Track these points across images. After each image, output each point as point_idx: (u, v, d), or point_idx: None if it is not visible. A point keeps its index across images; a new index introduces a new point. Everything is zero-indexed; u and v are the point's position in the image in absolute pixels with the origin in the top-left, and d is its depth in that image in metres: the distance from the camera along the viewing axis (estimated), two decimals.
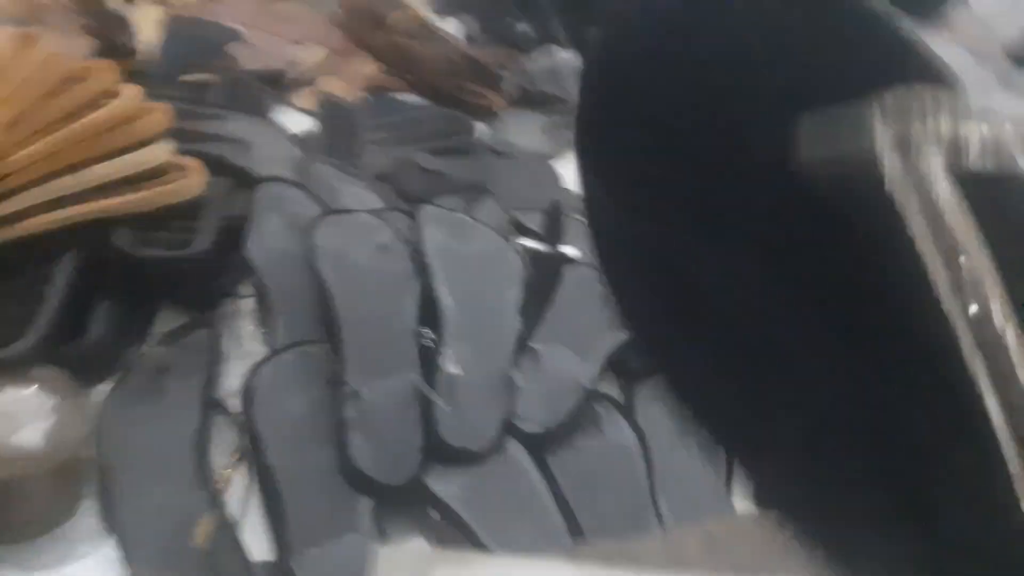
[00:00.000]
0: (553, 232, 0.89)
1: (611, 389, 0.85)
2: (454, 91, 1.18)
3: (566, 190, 1.15)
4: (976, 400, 0.20)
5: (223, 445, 0.68)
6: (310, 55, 1.09)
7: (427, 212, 0.82)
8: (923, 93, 0.20)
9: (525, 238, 0.91)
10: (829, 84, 0.22)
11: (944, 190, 0.19)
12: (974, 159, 0.20)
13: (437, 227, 0.81)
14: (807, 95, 0.21)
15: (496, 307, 0.78)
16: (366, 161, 1.02)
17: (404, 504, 0.69)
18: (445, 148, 1.11)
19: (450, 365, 0.71)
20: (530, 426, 0.73)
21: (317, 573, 0.56)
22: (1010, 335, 0.20)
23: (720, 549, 0.40)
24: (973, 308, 0.20)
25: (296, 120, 1.02)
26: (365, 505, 0.65)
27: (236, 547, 0.59)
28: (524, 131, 1.23)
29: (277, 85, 1.04)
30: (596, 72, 0.27)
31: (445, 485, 0.69)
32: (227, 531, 0.59)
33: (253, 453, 0.65)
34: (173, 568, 0.56)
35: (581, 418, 0.75)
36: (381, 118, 1.09)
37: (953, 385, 0.20)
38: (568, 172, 1.19)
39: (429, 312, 0.76)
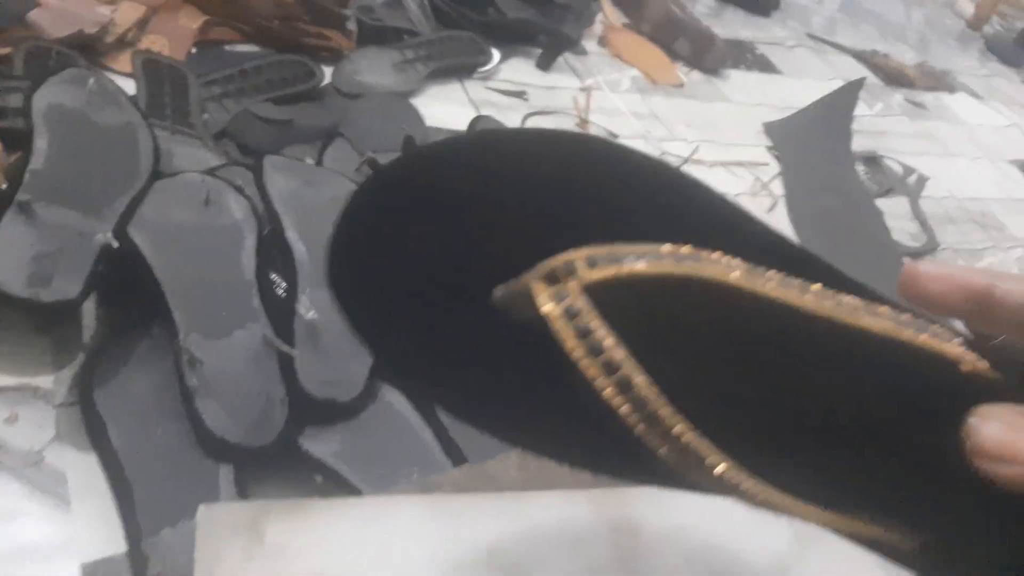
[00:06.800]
0: None
1: None
2: (292, 36, 1.11)
3: (426, 127, 1.11)
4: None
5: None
6: (125, 15, 1.00)
7: (271, 161, 0.76)
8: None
9: None
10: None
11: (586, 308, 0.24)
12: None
13: (282, 176, 0.76)
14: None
15: None
16: (205, 119, 0.96)
17: (277, 467, 0.65)
18: (291, 96, 1.05)
19: (306, 311, 0.67)
20: None
21: (172, 553, 0.53)
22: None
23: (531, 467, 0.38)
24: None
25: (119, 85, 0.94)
26: (226, 474, 0.61)
27: None
28: (375, 70, 1.18)
29: (91, 50, 0.96)
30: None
31: (322, 444, 0.65)
32: None
33: (97, 440, 0.60)
34: None
35: None
36: (215, 73, 1.02)
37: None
38: (427, 109, 1.15)
39: (280, 261, 0.72)
